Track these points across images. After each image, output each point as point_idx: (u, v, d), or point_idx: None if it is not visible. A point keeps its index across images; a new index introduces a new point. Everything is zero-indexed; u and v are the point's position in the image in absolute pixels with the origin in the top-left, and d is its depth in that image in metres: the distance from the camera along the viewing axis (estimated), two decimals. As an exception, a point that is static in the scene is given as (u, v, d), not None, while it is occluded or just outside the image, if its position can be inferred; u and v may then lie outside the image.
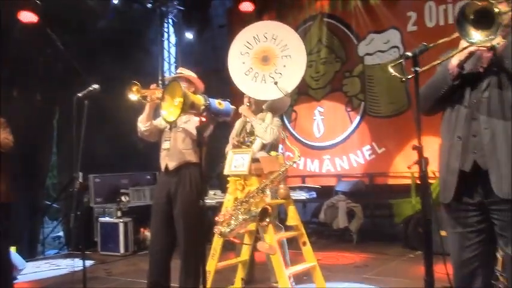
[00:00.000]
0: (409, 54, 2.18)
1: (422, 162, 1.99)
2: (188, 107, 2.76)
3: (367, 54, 7.48)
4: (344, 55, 7.76)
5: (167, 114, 2.83)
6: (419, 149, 2.04)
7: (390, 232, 6.90)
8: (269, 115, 4.46)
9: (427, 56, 2.41)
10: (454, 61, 2.36)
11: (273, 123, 4.41)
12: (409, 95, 6.81)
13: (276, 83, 4.22)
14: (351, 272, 5.26)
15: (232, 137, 4.57)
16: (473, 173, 2.35)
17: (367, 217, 6.98)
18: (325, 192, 7.41)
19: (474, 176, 2.35)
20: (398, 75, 2.29)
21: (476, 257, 2.44)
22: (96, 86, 3.73)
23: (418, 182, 6.30)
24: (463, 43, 2.26)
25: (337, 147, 7.75)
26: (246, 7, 7.94)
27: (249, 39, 4.44)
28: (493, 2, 2.06)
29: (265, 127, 4.29)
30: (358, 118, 7.59)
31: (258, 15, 7.92)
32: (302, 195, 7.07)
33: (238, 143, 4.32)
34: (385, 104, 7.25)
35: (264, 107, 4.56)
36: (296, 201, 7.06)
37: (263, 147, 4.18)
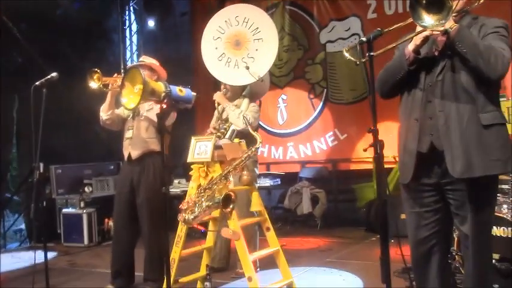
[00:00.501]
0: (364, 39, 2.23)
1: (377, 144, 2.04)
2: (148, 94, 2.76)
3: (329, 41, 7.56)
4: (306, 43, 7.82)
5: (127, 101, 2.81)
6: (374, 132, 2.09)
7: (353, 217, 7.04)
8: (245, 101, 4.46)
9: (385, 42, 2.48)
10: (410, 46, 2.43)
11: (249, 109, 4.40)
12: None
13: (247, 68, 4.22)
14: (315, 256, 5.35)
15: (212, 125, 4.56)
16: (430, 154, 2.43)
17: (330, 202, 7.10)
18: (289, 179, 7.50)
19: (431, 157, 2.44)
20: (353, 59, 2.35)
21: (433, 235, 2.53)
22: (54, 74, 3.67)
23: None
24: (419, 28, 2.33)
25: (300, 134, 7.83)
26: (209, -6, 7.90)
27: (221, 23, 4.41)
28: None
29: (238, 113, 4.28)
30: (320, 105, 7.68)
31: (220, 2, 7.88)
32: (266, 182, 7.15)
33: (214, 129, 4.32)
34: (347, 90, 7.35)
35: (243, 93, 4.55)
36: (261, 188, 7.20)
37: (237, 133, 4.17)
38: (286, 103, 8.00)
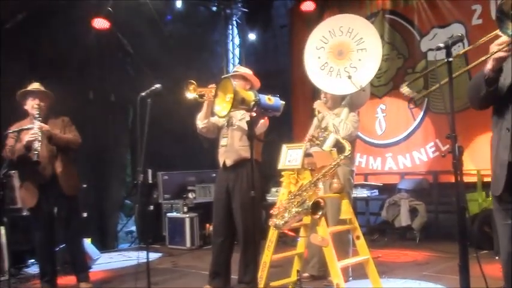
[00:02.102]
0: (441, 45, 2.22)
1: (455, 150, 2.02)
2: (239, 103, 2.92)
3: (431, 49, 7.33)
4: (406, 51, 7.65)
5: (220, 109, 3.00)
6: (453, 138, 2.07)
7: (454, 231, 6.72)
8: (345, 110, 4.49)
9: (481, 52, 2.44)
10: (488, 65, 2.38)
11: (349, 119, 4.44)
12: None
13: (349, 77, 4.27)
14: (410, 269, 5.22)
15: (310, 133, 4.66)
16: None
17: (430, 215, 6.85)
18: (387, 190, 7.36)
19: None
20: (411, 95, 2.36)
21: None
22: (158, 86, 3.96)
23: (485, 179, 6.12)
24: (493, 47, 2.28)
25: (399, 144, 7.64)
26: (307, 6, 8.02)
27: (325, 33, 4.51)
28: None
29: (339, 122, 4.33)
30: (421, 115, 7.46)
31: (319, 14, 7.98)
32: (364, 193, 7.08)
33: (313, 137, 4.39)
34: (447, 100, 7.05)
35: (343, 102, 4.60)
36: (358, 199, 7.16)
37: (336, 143, 4.20)
38: (385, 113, 7.87)
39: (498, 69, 2.38)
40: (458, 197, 2.08)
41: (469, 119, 6.22)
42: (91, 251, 5.79)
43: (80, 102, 6.87)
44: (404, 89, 2.54)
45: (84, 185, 6.48)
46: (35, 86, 4.71)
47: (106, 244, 7.43)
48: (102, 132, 7.31)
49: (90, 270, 5.37)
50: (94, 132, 6.93)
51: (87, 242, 5.86)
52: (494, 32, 2.33)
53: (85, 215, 6.49)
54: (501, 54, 2.30)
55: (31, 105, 4.60)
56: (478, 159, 6.37)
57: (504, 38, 2.26)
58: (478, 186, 6.37)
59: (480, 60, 2.42)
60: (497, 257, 5.22)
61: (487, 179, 6.27)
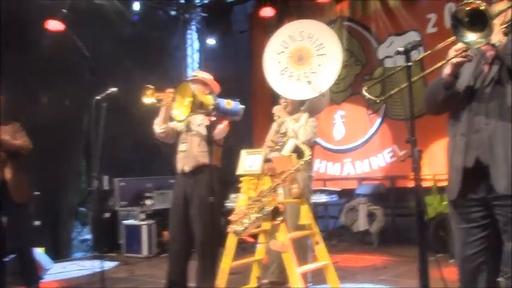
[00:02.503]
0: (401, 49, 2.23)
1: (415, 154, 2.02)
2: (197, 107, 2.86)
3: (388, 57, 7.48)
4: (364, 58, 7.78)
5: (178, 113, 2.93)
6: (412, 142, 2.07)
7: (411, 235, 6.84)
8: (305, 115, 4.47)
9: (439, 58, 2.47)
10: (446, 70, 2.40)
11: (308, 124, 4.42)
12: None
13: (309, 83, 4.25)
14: (369, 273, 5.26)
15: (269, 138, 4.62)
16: (476, 169, 2.37)
17: (388, 220, 6.95)
18: (346, 195, 7.43)
19: (477, 172, 2.37)
20: (372, 98, 2.38)
21: (480, 252, 2.45)
22: (114, 89, 3.86)
23: (440, 184, 6.22)
24: (450, 52, 2.33)
25: (358, 150, 7.75)
26: (267, 12, 8.04)
27: (285, 38, 4.48)
28: (482, 3, 2.10)
29: (298, 127, 4.31)
30: (379, 121, 7.59)
31: (278, 20, 8.00)
32: (323, 198, 7.11)
33: (272, 143, 4.35)
34: (406, 106, 7.18)
35: (302, 107, 4.58)
36: (317, 204, 7.18)
37: (296, 148, 4.18)
38: (343, 119, 7.96)
39: (455, 74, 2.40)
40: (418, 200, 2.09)
41: (425, 125, 6.28)
42: (43, 261, 5.57)
43: (33, 107, 6.63)
44: (365, 92, 2.54)
45: (37, 193, 6.26)
46: None
47: (60, 253, 7.19)
48: (56, 138, 7.05)
49: (42, 280, 5.16)
50: (47, 138, 6.68)
51: (39, 251, 5.64)
52: (451, 38, 2.36)
53: (38, 223, 6.27)
54: (458, 59, 2.32)
55: (-21, 111, 4.42)
56: (433, 165, 6.49)
57: (461, 44, 2.29)
58: (433, 191, 6.49)
59: (437, 65, 2.43)
60: (451, 260, 5.33)
61: (442, 184, 6.42)
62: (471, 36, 2.16)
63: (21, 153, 4.53)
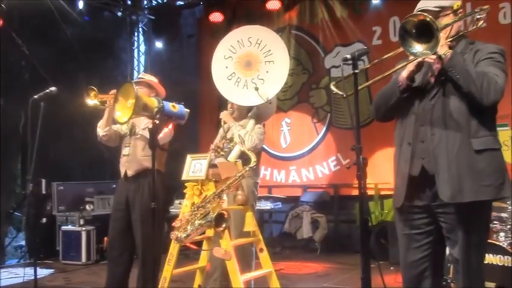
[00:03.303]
0: (348, 56, 2.24)
1: (360, 161, 2.02)
2: (141, 109, 2.77)
3: (334, 66, 7.60)
4: (311, 67, 7.86)
5: (120, 115, 2.83)
6: (358, 149, 2.08)
7: (354, 243, 6.95)
8: (251, 122, 4.42)
9: (383, 69, 2.50)
10: (404, 73, 2.45)
11: (254, 131, 4.38)
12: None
13: (256, 89, 4.21)
14: (312, 281, 5.28)
15: (215, 143, 4.54)
16: (422, 177, 2.43)
17: (331, 228, 7.03)
18: (291, 203, 7.45)
19: (422, 181, 2.43)
20: (340, 92, 2.40)
21: (424, 258, 2.49)
22: (53, 89, 3.69)
23: (382, 192, 6.35)
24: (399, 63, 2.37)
25: (303, 158, 7.81)
26: (216, 17, 8.02)
27: (233, 43, 4.41)
28: (429, 16, 2.16)
29: (244, 134, 4.27)
30: (324, 129, 7.68)
31: (227, 25, 7.98)
32: (267, 205, 7.10)
33: (218, 148, 4.28)
34: (350, 115, 7.30)
35: (249, 114, 4.53)
36: (262, 211, 7.17)
37: (242, 154, 4.13)
38: (289, 126, 8.01)
39: (411, 79, 2.44)
40: (362, 208, 2.08)
41: (369, 134, 6.46)
42: (-28, 268, 5.27)
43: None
44: (333, 87, 2.55)
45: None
46: None
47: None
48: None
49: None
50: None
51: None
52: (399, 49, 2.40)
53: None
54: (419, 59, 2.34)
55: None
56: (376, 173, 6.62)
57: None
58: (375, 199, 6.63)
59: (385, 74, 2.49)
60: (392, 268, 5.44)
61: (384, 193, 6.56)
62: (418, 47, 2.21)
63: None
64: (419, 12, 2.18)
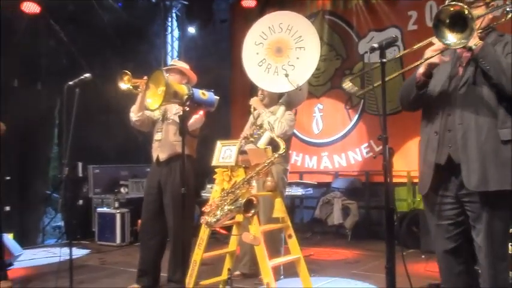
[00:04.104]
0: (375, 45, 2.24)
1: (386, 151, 2.02)
2: (171, 96, 2.82)
3: (367, 52, 7.48)
4: (344, 53, 7.78)
5: (151, 102, 2.88)
6: (384, 140, 2.08)
7: (384, 230, 6.89)
8: (282, 108, 4.44)
9: (418, 54, 2.50)
10: (421, 69, 2.49)
11: (284, 117, 4.39)
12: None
13: (287, 75, 4.21)
14: (341, 267, 5.28)
15: (246, 129, 4.57)
16: (448, 166, 2.46)
17: (362, 214, 6.99)
18: (322, 189, 7.45)
19: (449, 169, 2.47)
20: (352, 91, 2.43)
21: (458, 246, 2.54)
22: (88, 75, 3.78)
23: (414, 180, 6.28)
24: (427, 53, 2.41)
25: (335, 144, 7.76)
26: (249, 3, 8.01)
27: (264, 29, 4.42)
28: (465, 6, 2.16)
29: (274, 120, 4.28)
30: (357, 116, 7.61)
31: (260, 10, 7.95)
32: (298, 191, 7.11)
33: (247, 135, 4.31)
34: (377, 104, 7.22)
35: (280, 100, 4.55)
36: (293, 197, 7.20)
37: (271, 140, 4.14)
38: (322, 112, 7.96)
39: (429, 75, 2.45)
40: (387, 199, 2.09)
41: (402, 121, 6.38)
42: (12, 247, 5.46)
43: (3, 89, 6.47)
44: (347, 85, 2.58)
45: (8, 178, 6.14)
46: None
47: (28, 240, 7.07)
48: (26, 123, 6.87)
49: (11, 267, 5.07)
50: (18, 122, 6.51)
51: (8, 237, 5.53)
52: (429, 39, 2.41)
53: (7, 208, 6.15)
54: (434, 60, 2.37)
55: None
56: (408, 161, 6.54)
57: (439, 45, 2.34)
58: (407, 187, 6.56)
59: (414, 64, 2.50)
60: (423, 256, 5.40)
61: (416, 180, 6.47)
62: (451, 38, 2.21)
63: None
64: (454, 2, 2.19)
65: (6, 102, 6.17)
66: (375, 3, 7.40)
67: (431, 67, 2.46)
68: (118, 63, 7.64)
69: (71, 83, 3.73)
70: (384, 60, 2.19)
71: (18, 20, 6.65)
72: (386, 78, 2.26)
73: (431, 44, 2.48)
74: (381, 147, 7.28)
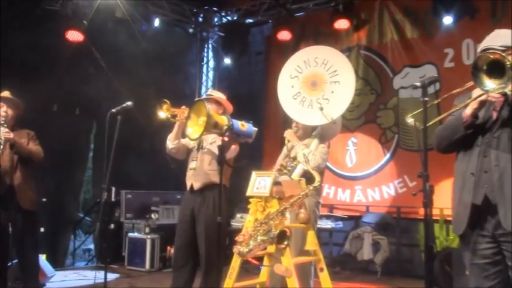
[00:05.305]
0: (418, 84, 2.26)
1: (426, 189, 2.02)
2: (211, 126, 2.88)
3: (402, 87, 7.49)
4: (379, 87, 7.79)
5: (192, 132, 2.95)
6: (424, 177, 2.08)
7: (416, 267, 6.78)
8: (315, 141, 4.44)
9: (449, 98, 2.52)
10: (468, 111, 2.52)
11: (318, 150, 4.40)
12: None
13: (321, 109, 4.25)
14: (371, 304, 5.20)
15: (279, 161, 4.60)
16: (484, 206, 2.50)
17: (392, 250, 6.88)
18: (352, 223, 7.38)
19: (485, 209, 2.50)
20: (416, 125, 2.46)
21: (497, 285, 2.53)
22: (129, 103, 3.89)
23: (447, 218, 6.16)
24: (476, 92, 2.45)
25: (369, 178, 7.71)
26: (284, 35, 8.10)
27: (300, 63, 4.48)
28: (504, 54, 2.24)
29: (308, 153, 4.30)
30: (391, 150, 7.56)
31: (295, 44, 8.07)
32: (328, 224, 7.05)
33: (281, 167, 4.32)
34: (418, 141, 7.15)
35: (313, 133, 4.57)
36: (322, 230, 7.13)
37: (305, 173, 4.16)
38: (356, 146, 7.94)
39: (476, 115, 2.52)
40: (427, 236, 2.08)
41: (437, 157, 6.29)
42: (45, 268, 5.57)
43: (43, 114, 6.68)
44: (409, 119, 2.64)
45: (44, 199, 6.27)
46: (5, 94, 4.58)
47: (58, 261, 7.18)
48: (63, 146, 7.06)
49: (43, 288, 5.16)
50: (54, 146, 6.69)
51: (42, 258, 5.63)
52: (468, 84, 2.45)
53: (42, 230, 6.27)
54: (483, 97, 2.40)
55: (-2, 112, 4.47)
56: (441, 198, 6.39)
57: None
58: (439, 224, 6.44)
59: (463, 104, 2.51)
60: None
61: (450, 218, 6.35)
62: (490, 84, 2.28)
63: (32, 159, 4.55)
64: (492, 50, 2.26)
65: (46, 126, 6.35)
66: (410, 39, 7.43)
67: (480, 108, 2.51)
68: (153, 90, 7.84)
69: (113, 110, 3.84)
70: (426, 98, 2.22)
71: (62, 48, 6.89)
72: (433, 120, 2.27)
73: (472, 87, 2.54)
74: (415, 182, 7.21)
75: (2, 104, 4.49)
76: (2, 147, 4.25)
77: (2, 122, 4.37)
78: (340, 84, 4.31)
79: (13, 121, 4.57)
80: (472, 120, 2.51)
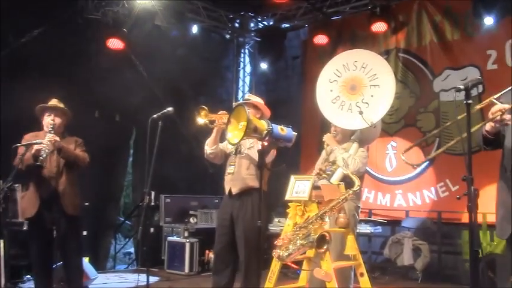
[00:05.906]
0: (461, 86, 2.22)
1: (471, 192, 1.98)
2: (251, 131, 2.90)
3: (443, 90, 7.35)
4: (419, 90, 7.66)
5: (232, 136, 2.98)
6: (469, 180, 2.04)
7: (458, 274, 6.62)
8: (355, 145, 4.42)
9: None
10: (487, 127, 2.47)
11: (357, 154, 4.37)
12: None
13: (361, 113, 4.23)
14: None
15: (317, 165, 4.60)
16: None
17: (433, 256, 6.74)
18: (391, 227, 7.27)
19: None
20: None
21: None
22: (170, 109, 3.96)
23: (489, 223, 6.00)
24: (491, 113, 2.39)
25: (410, 182, 7.58)
26: (321, 40, 8.08)
27: (339, 67, 4.47)
28: None
29: (347, 157, 4.28)
30: (432, 154, 7.41)
31: (332, 48, 8.04)
32: (367, 229, 6.97)
33: (320, 171, 4.31)
34: (461, 141, 7.00)
35: (352, 137, 4.55)
36: (361, 235, 7.05)
37: (344, 177, 4.16)
38: (395, 150, 7.82)
39: (496, 133, 2.45)
40: (471, 241, 2.04)
41: (480, 160, 6.11)
42: (89, 271, 5.70)
43: (85, 120, 6.84)
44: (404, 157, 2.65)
45: (87, 203, 6.42)
46: (53, 102, 4.70)
47: (100, 264, 7.33)
48: (103, 152, 7.20)
49: (86, 290, 5.28)
50: (95, 151, 6.85)
51: (86, 261, 5.77)
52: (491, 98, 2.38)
53: (84, 233, 6.42)
54: (495, 121, 2.37)
55: (46, 120, 4.59)
56: (485, 202, 6.24)
57: (498, 107, 2.35)
58: (483, 229, 6.27)
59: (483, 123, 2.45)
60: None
61: (493, 223, 6.18)
62: None
63: (78, 164, 4.66)
64: None
65: (87, 133, 6.50)
66: (451, 40, 7.29)
67: (495, 127, 2.45)
68: (191, 96, 7.95)
69: (154, 116, 3.92)
70: (470, 101, 2.17)
71: (103, 55, 7.06)
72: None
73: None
74: (457, 186, 7.02)
75: (49, 112, 4.62)
76: (48, 151, 4.36)
77: (50, 129, 4.49)
78: (380, 88, 4.27)
79: (62, 128, 4.67)
80: (490, 138, 2.47)
